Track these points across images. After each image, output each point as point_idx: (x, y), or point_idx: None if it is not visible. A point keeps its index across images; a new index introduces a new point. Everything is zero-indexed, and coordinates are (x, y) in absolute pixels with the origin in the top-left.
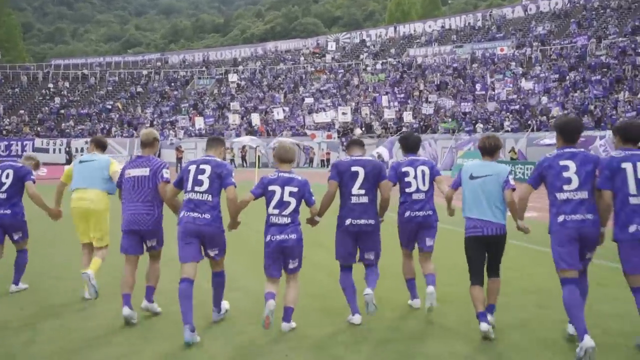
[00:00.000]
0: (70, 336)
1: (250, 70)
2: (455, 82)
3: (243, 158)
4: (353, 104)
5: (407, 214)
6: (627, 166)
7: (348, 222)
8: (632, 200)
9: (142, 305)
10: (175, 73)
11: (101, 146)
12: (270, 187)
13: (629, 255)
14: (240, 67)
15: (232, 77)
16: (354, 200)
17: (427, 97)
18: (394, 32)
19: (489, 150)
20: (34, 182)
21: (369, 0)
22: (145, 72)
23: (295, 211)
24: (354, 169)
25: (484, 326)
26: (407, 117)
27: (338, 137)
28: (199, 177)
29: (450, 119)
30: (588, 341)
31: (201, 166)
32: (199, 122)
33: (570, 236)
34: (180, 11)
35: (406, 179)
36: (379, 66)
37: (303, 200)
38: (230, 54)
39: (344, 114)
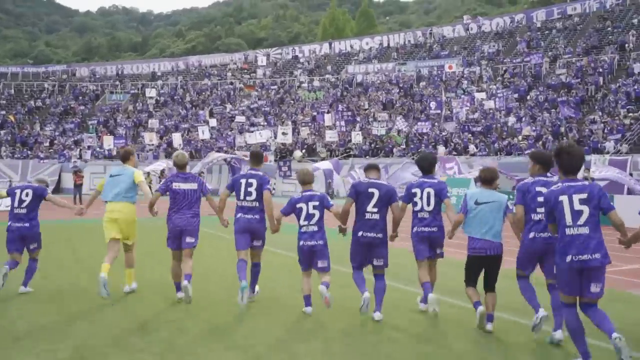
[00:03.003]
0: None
1: (171, 85)
2: (402, 100)
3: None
4: (290, 123)
5: (415, 229)
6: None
7: (360, 234)
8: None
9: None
10: (84, 88)
11: (126, 158)
12: (298, 205)
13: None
14: (160, 82)
15: (150, 92)
16: (367, 216)
17: (376, 116)
18: (329, 49)
19: (489, 180)
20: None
21: (294, 22)
22: (48, 85)
23: (320, 219)
24: (370, 190)
25: (481, 309)
26: (356, 137)
27: (275, 160)
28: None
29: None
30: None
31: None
32: (108, 142)
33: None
34: (95, 29)
35: (414, 199)
36: (316, 83)
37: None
38: (147, 68)
39: (284, 134)
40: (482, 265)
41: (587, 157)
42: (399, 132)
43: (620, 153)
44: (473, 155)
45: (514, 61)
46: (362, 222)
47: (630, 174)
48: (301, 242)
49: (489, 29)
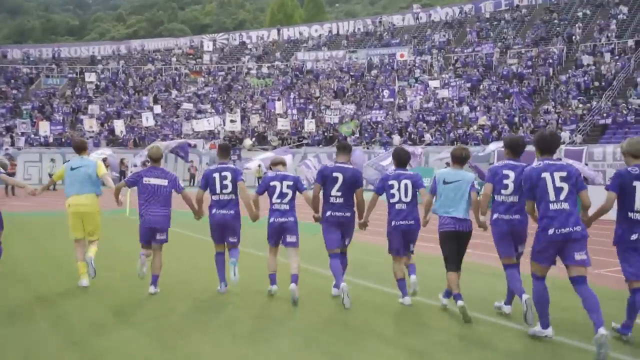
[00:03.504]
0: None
1: (112, 70)
2: (354, 88)
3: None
4: (239, 110)
5: (393, 222)
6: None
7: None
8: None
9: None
10: (17, 71)
11: (82, 149)
12: (272, 183)
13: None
14: (100, 66)
15: (90, 77)
16: (331, 200)
17: (330, 104)
18: (278, 35)
19: (462, 159)
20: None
21: (239, 9)
22: None
23: (292, 199)
24: (335, 174)
25: (460, 303)
26: (309, 126)
27: None
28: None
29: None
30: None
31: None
32: (45, 128)
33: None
34: (29, 12)
35: (391, 191)
36: (264, 69)
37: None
38: (86, 51)
39: (232, 121)
40: (453, 241)
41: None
42: (352, 119)
43: (574, 143)
44: (429, 144)
45: (465, 51)
46: (328, 205)
47: (586, 164)
48: (272, 219)
49: (438, 19)
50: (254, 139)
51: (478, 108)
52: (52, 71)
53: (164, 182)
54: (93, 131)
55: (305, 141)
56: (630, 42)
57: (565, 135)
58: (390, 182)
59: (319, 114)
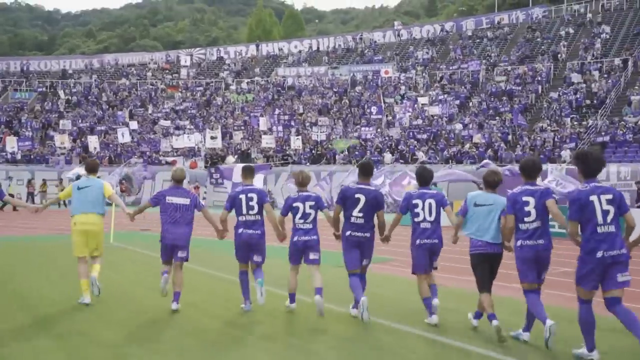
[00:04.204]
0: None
1: (84, 85)
2: (338, 104)
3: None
4: (219, 126)
5: (417, 241)
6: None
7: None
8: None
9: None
10: None
11: (93, 170)
12: (295, 204)
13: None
14: (72, 81)
15: (61, 91)
16: (352, 220)
17: (317, 121)
18: (257, 51)
19: (492, 183)
20: None
21: (212, 26)
22: None
23: (315, 219)
24: (357, 195)
25: (495, 323)
26: (296, 142)
27: (206, 166)
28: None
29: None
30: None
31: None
32: (12, 144)
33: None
34: None
35: (415, 210)
36: (244, 85)
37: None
38: (57, 65)
39: (212, 138)
40: (485, 262)
41: (544, 166)
42: (341, 137)
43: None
44: (422, 163)
45: (451, 67)
46: (349, 224)
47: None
48: (295, 238)
49: (419, 36)
50: (236, 157)
51: (470, 126)
52: (21, 85)
53: (186, 202)
54: (65, 147)
55: (290, 159)
56: (617, 61)
57: (565, 154)
58: (414, 202)
59: (304, 131)
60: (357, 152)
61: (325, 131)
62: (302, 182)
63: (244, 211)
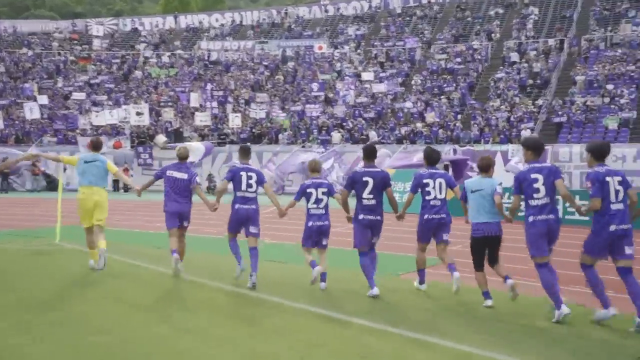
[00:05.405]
0: None
1: None
2: (271, 81)
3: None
4: (143, 102)
5: (426, 216)
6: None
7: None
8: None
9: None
10: None
11: (97, 148)
12: (308, 190)
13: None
14: None
15: None
16: (364, 202)
17: (253, 97)
18: (175, 23)
19: (484, 168)
20: None
21: None
22: None
23: (327, 204)
24: (365, 178)
25: (488, 302)
26: (235, 121)
27: (132, 146)
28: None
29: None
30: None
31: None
32: None
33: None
34: None
35: (427, 189)
36: (165, 59)
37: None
38: None
39: (138, 114)
40: (483, 245)
41: (505, 147)
42: (284, 113)
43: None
44: (374, 143)
45: (385, 44)
46: (361, 206)
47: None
48: (310, 223)
49: (347, 13)
50: (166, 136)
51: (418, 104)
52: None
53: (184, 176)
54: None
55: (228, 138)
56: (552, 42)
57: (526, 133)
58: (425, 181)
59: (239, 108)
60: (302, 132)
61: (265, 108)
62: (313, 168)
63: (243, 187)
